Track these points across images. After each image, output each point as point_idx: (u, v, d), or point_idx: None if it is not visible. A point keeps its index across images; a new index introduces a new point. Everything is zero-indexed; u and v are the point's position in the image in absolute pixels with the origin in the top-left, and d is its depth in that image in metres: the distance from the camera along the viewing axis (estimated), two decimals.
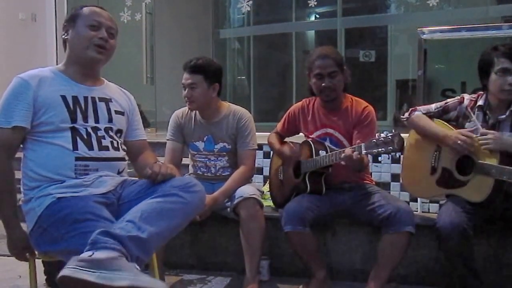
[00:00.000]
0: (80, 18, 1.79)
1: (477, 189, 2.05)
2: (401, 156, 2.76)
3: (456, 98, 2.26)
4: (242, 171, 2.45)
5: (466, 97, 2.23)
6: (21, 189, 1.73)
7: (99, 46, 1.77)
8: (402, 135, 1.96)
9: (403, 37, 6.31)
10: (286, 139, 2.65)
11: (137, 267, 1.34)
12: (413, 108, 2.35)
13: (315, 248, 2.31)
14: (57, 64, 1.89)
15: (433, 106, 2.29)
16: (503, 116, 2.11)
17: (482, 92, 2.20)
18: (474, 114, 2.17)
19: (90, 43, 1.76)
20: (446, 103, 2.26)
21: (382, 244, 2.20)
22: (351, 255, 2.53)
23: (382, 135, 1.94)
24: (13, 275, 2.55)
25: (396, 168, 2.98)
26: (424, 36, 3.30)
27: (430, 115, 2.28)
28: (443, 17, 5.65)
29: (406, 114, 2.34)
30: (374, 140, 1.96)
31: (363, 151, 2.00)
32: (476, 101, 2.19)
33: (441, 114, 2.27)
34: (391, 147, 1.91)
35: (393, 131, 1.93)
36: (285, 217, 2.24)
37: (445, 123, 2.24)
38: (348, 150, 2.06)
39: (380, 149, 1.94)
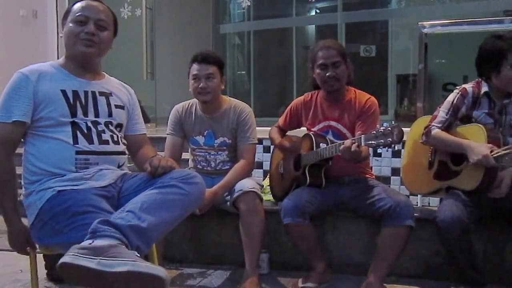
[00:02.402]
0: (70, 15, 1.79)
1: (470, 177, 2.07)
2: (402, 150, 2.76)
3: (455, 94, 2.20)
4: (242, 165, 2.45)
5: (467, 86, 2.20)
6: (22, 184, 1.73)
7: (85, 40, 1.76)
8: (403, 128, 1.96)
9: (404, 31, 6.29)
10: (288, 133, 2.65)
11: (137, 254, 1.34)
12: (426, 128, 2.21)
13: (314, 240, 2.31)
14: None
15: (442, 114, 2.19)
16: (508, 100, 2.14)
17: (478, 80, 2.20)
18: (480, 101, 2.17)
19: (77, 39, 1.75)
20: (451, 104, 2.18)
21: (382, 237, 2.20)
22: (351, 248, 2.53)
23: (382, 127, 1.93)
24: (14, 269, 2.56)
25: (397, 162, 2.98)
26: (425, 30, 3.29)
27: (449, 122, 2.18)
28: (444, 11, 5.64)
29: (424, 137, 2.22)
30: (373, 132, 1.95)
31: (363, 143, 2.00)
32: (479, 88, 2.18)
33: (454, 115, 2.19)
34: (390, 139, 1.90)
35: (393, 122, 1.92)
36: (285, 210, 2.24)
37: (466, 125, 2.16)
38: (347, 142, 2.06)
39: (379, 141, 1.93)
